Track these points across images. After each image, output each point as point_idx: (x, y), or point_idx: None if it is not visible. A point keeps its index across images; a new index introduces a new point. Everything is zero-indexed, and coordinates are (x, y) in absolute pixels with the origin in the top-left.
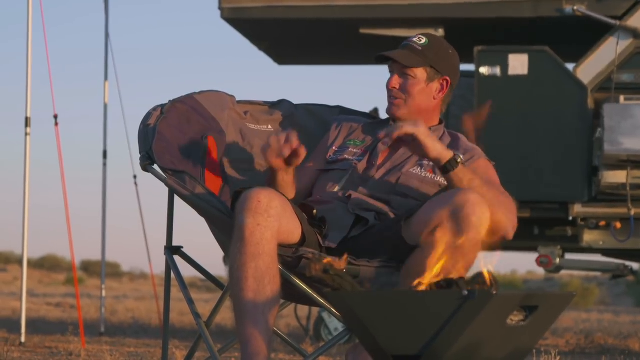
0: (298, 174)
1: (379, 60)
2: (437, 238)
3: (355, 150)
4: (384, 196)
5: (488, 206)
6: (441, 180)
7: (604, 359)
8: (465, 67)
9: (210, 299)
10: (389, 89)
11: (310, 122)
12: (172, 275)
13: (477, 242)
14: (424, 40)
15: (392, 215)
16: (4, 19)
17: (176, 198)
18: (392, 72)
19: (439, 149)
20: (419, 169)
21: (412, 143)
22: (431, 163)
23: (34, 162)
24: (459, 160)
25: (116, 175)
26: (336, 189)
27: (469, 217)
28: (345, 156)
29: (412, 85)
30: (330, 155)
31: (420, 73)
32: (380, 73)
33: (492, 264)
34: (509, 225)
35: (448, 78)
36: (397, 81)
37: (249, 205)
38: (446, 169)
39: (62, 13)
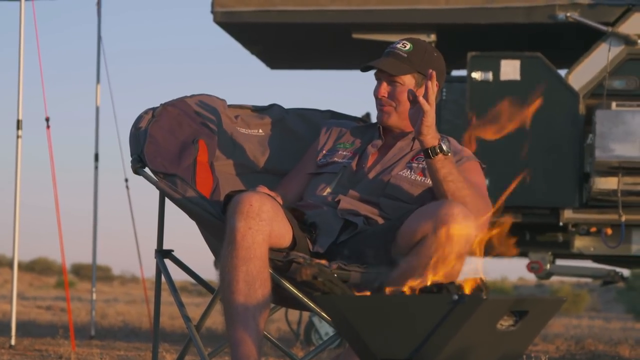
0: (289, 178)
1: (366, 69)
2: (421, 251)
3: (344, 153)
4: (374, 198)
5: (473, 217)
6: (431, 182)
7: None
8: (457, 72)
9: (201, 303)
10: (378, 98)
11: (301, 126)
12: (163, 278)
13: (462, 254)
14: (408, 45)
15: (381, 220)
16: None
17: (167, 201)
18: (379, 80)
19: (430, 134)
20: (408, 172)
21: (418, 113)
22: (420, 165)
23: (25, 165)
24: (439, 150)
25: (107, 178)
26: (327, 191)
27: (453, 231)
28: (335, 159)
29: (401, 92)
30: (320, 159)
31: (408, 80)
32: (372, 77)
33: (481, 269)
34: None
35: (437, 82)
36: (385, 89)
37: (241, 209)
38: (427, 154)
39: (55, 17)
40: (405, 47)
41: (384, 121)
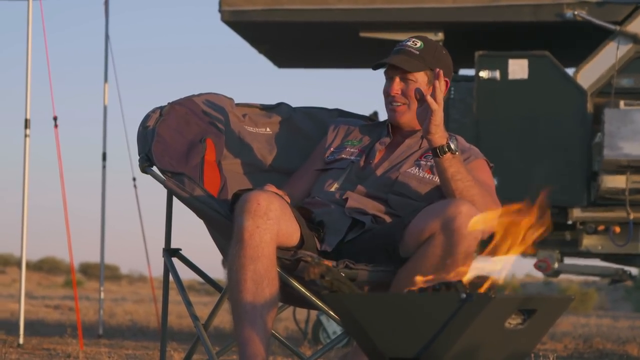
0: (297, 177)
1: (378, 66)
2: (428, 249)
3: (352, 150)
4: (382, 195)
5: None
6: (438, 180)
7: None
8: (465, 71)
9: (209, 302)
10: (391, 95)
11: (309, 124)
12: (171, 277)
13: (469, 253)
14: (419, 43)
15: (389, 218)
16: (7, 23)
17: (175, 200)
18: (390, 78)
19: (438, 132)
20: (416, 169)
21: (426, 113)
22: (429, 163)
23: (33, 164)
24: (447, 149)
25: (115, 177)
26: (334, 187)
27: (460, 229)
28: (343, 156)
29: (414, 89)
30: (327, 156)
31: (421, 77)
32: (380, 76)
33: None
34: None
35: (447, 79)
36: (398, 86)
37: (249, 208)
38: (435, 153)
39: (62, 15)
40: (416, 44)
41: (396, 119)
